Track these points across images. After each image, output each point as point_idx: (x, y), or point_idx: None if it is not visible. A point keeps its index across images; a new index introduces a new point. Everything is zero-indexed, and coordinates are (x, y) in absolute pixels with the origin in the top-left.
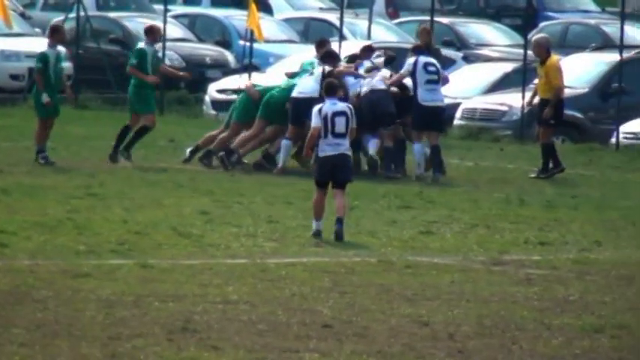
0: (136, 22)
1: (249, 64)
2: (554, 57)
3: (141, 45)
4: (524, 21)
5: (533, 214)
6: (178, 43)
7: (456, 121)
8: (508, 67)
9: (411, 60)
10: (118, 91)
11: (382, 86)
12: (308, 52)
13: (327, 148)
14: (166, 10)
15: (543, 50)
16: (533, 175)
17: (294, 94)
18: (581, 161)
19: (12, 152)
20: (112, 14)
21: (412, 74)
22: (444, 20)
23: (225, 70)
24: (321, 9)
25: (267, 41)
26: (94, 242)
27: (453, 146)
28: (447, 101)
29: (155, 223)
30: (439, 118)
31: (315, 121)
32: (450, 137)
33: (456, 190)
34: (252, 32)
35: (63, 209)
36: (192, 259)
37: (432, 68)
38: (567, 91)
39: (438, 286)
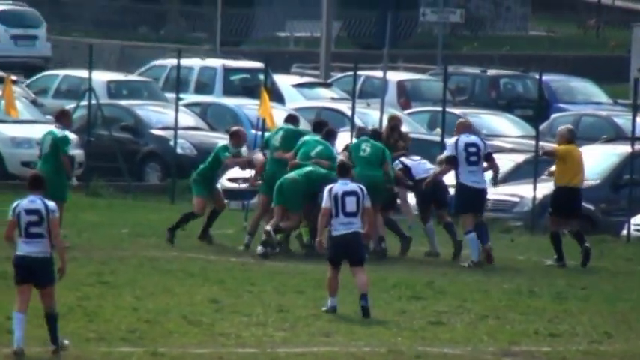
0: (148, 110)
1: (262, 152)
2: (561, 147)
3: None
4: (535, 112)
5: (544, 305)
6: (190, 131)
7: None
8: (519, 158)
9: (451, 141)
10: (129, 179)
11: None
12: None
13: (340, 228)
14: (178, 99)
15: (564, 140)
16: (549, 263)
17: None
18: (592, 253)
19: None
20: (124, 102)
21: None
22: (456, 111)
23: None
24: (332, 98)
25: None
26: (105, 330)
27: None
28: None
29: (166, 311)
30: (482, 200)
31: (325, 202)
32: (460, 227)
33: (466, 280)
34: (263, 121)
35: (74, 296)
36: (203, 347)
37: (472, 149)
38: None
39: None
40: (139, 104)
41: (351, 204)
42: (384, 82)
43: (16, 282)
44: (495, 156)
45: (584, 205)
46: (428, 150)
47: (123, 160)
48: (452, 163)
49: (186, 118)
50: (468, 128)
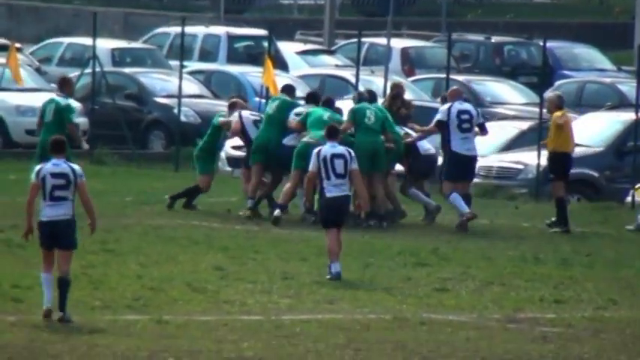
0: (152, 78)
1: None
2: (556, 113)
3: None
4: (539, 79)
5: (549, 272)
6: (194, 99)
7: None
8: (524, 125)
9: (445, 107)
10: (133, 146)
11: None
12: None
13: (333, 189)
14: (182, 66)
15: (554, 107)
16: (547, 222)
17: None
18: (596, 219)
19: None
20: (128, 70)
21: (446, 122)
22: (460, 78)
23: None
24: (337, 66)
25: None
26: (110, 298)
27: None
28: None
29: (170, 278)
30: (473, 168)
31: (313, 165)
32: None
33: (471, 247)
34: (267, 89)
35: (78, 264)
36: (208, 315)
37: (465, 116)
38: (583, 150)
39: (453, 344)
40: (143, 72)
41: (339, 166)
42: (388, 50)
43: (41, 245)
44: (499, 123)
45: (589, 171)
46: (432, 117)
47: (127, 127)
48: (440, 127)
49: (191, 86)
50: (460, 95)
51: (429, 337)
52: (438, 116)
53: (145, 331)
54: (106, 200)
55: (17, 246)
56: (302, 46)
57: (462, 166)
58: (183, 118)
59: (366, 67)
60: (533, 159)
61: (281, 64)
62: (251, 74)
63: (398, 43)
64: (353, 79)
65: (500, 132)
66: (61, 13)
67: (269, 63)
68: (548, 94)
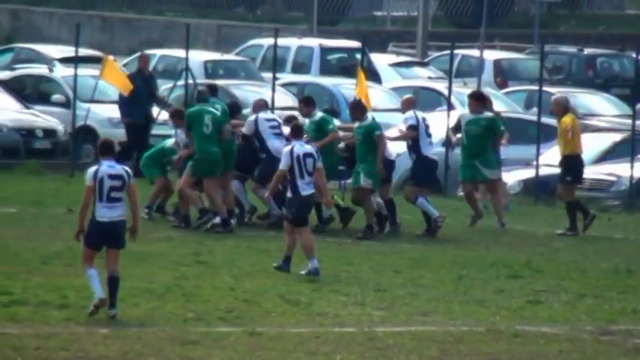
0: (245, 91)
1: None
2: (566, 120)
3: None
4: (632, 91)
5: None
6: (287, 111)
7: None
8: (616, 137)
9: (410, 114)
10: None
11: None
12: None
13: (307, 187)
14: (275, 78)
15: (562, 109)
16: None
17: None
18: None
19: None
20: (221, 82)
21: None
22: (553, 90)
23: None
24: (429, 78)
25: (375, 110)
26: (203, 310)
27: (561, 216)
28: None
29: (263, 290)
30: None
31: (286, 163)
32: (558, 207)
33: (564, 259)
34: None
35: (171, 276)
36: (301, 327)
37: (428, 122)
38: None
39: (546, 356)
40: (236, 84)
41: (309, 165)
42: (481, 62)
43: (90, 245)
44: (593, 135)
45: None
46: (524, 129)
47: None
48: (417, 130)
49: (283, 98)
50: (415, 104)
51: (522, 349)
52: (411, 121)
53: (238, 343)
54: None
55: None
56: (395, 58)
57: (430, 170)
58: None
59: (458, 79)
60: (626, 171)
61: (374, 76)
62: (344, 86)
63: (490, 55)
64: (445, 91)
65: (593, 144)
66: (154, 25)
67: (362, 75)
68: (555, 96)
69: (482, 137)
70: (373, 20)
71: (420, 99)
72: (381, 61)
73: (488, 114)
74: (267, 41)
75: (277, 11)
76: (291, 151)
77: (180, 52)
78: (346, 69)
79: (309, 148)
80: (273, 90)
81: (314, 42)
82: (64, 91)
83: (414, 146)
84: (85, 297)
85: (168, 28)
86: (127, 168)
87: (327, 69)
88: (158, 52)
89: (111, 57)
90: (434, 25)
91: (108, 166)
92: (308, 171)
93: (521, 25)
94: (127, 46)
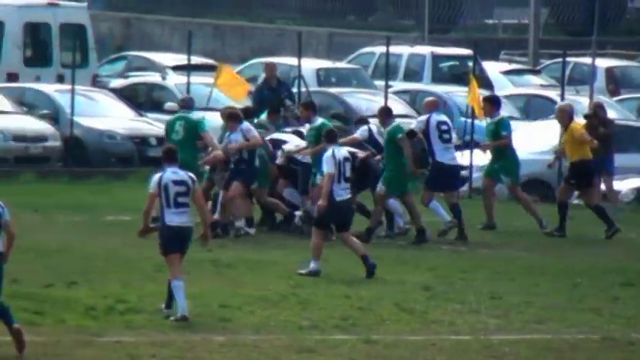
0: (358, 98)
1: (471, 140)
2: (576, 127)
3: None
4: None
5: None
6: (399, 119)
7: None
8: None
9: (423, 117)
10: None
11: None
12: (529, 129)
13: (342, 193)
14: (387, 86)
15: (567, 116)
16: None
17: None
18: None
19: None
20: (333, 90)
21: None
22: None
23: None
24: (541, 86)
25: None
26: (318, 317)
27: None
28: None
29: (378, 298)
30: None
31: (331, 167)
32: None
33: None
34: (472, 109)
35: (286, 284)
36: (416, 334)
37: (444, 127)
38: None
39: None
40: (349, 92)
41: (348, 170)
42: (593, 69)
43: (167, 252)
44: None
45: None
46: (637, 137)
47: None
48: (412, 137)
49: (396, 106)
50: (437, 106)
51: (638, 357)
52: (413, 126)
53: (354, 351)
54: None
55: (225, 266)
56: (507, 66)
57: (445, 176)
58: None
59: (570, 86)
60: None
61: (486, 84)
62: (456, 94)
63: (603, 63)
64: (558, 99)
65: None
66: (266, 33)
67: (474, 83)
68: (561, 104)
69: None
70: (484, 28)
71: (532, 107)
72: (492, 68)
73: (497, 118)
74: (379, 49)
75: (389, 19)
76: (333, 155)
77: (292, 60)
78: (458, 77)
79: (346, 152)
80: (386, 98)
81: (425, 50)
82: (177, 99)
83: (430, 152)
84: (200, 304)
85: (280, 36)
86: (190, 174)
87: (438, 77)
88: (270, 60)
89: (227, 65)
90: (545, 33)
91: (172, 172)
92: (345, 176)
93: (634, 32)
94: (238, 54)
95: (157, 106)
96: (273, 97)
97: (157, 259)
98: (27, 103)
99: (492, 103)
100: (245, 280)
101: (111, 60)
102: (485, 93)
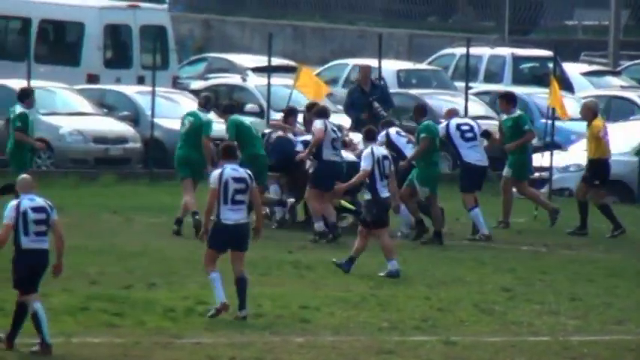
0: (438, 100)
1: (551, 141)
2: (597, 123)
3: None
4: None
5: None
6: (479, 120)
7: None
8: None
9: (442, 124)
10: None
11: None
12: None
13: (383, 190)
14: (468, 88)
15: (592, 113)
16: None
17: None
18: None
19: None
20: (413, 91)
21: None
22: None
23: None
24: (622, 87)
25: (570, 119)
26: (397, 318)
27: None
28: None
29: (458, 299)
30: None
31: (368, 163)
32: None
33: None
34: (553, 110)
35: (366, 285)
36: (495, 336)
37: (465, 127)
38: None
39: None
40: (429, 93)
41: (387, 167)
42: None
43: (214, 246)
44: None
45: None
46: None
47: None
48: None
49: (476, 107)
50: (456, 114)
51: None
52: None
53: (434, 352)
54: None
55: (305, 267)
56: (587, 67)
57: (472, 176)
58: None
59: None
60: None
61: (566, 86)
62: (537, 95)
63: None
64: (638, 100)
65: None
66: (346, 35)
67: (555, 84)
68: (586, 101)
69: (509, 137)
70: (564, 29)
71: (612, 108)
72: (573, 70)
73: (515, 114)
74: (459, 50)
75: (469, 21)
76: (372, 153)
77: (372, 62)
78: (538, 78)
79: (384, 150)
80: (466, 99)
81: (506, 51)
82: (258, 101)
83: (457, 155)
84: (280, 306)
85: (361, 37)
86: (249, 171)
87: (519, 78)
88: (351, 62)
89: (307, 67)
90: (625, 34)
91: (232, 169)
92: (385, 174)
93: None
94: (319, 56)
95: (237, 108)
96: (364, 100)
97: None
98: (107, 105)
99: (508, 100)
100: (325, 281)
101: (191, 62)
102: (566, 94)
